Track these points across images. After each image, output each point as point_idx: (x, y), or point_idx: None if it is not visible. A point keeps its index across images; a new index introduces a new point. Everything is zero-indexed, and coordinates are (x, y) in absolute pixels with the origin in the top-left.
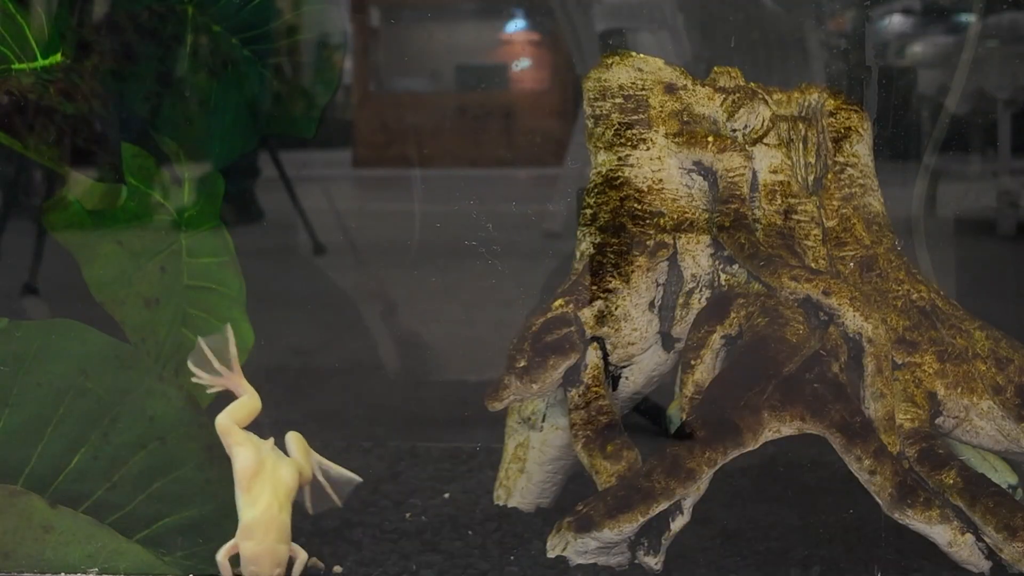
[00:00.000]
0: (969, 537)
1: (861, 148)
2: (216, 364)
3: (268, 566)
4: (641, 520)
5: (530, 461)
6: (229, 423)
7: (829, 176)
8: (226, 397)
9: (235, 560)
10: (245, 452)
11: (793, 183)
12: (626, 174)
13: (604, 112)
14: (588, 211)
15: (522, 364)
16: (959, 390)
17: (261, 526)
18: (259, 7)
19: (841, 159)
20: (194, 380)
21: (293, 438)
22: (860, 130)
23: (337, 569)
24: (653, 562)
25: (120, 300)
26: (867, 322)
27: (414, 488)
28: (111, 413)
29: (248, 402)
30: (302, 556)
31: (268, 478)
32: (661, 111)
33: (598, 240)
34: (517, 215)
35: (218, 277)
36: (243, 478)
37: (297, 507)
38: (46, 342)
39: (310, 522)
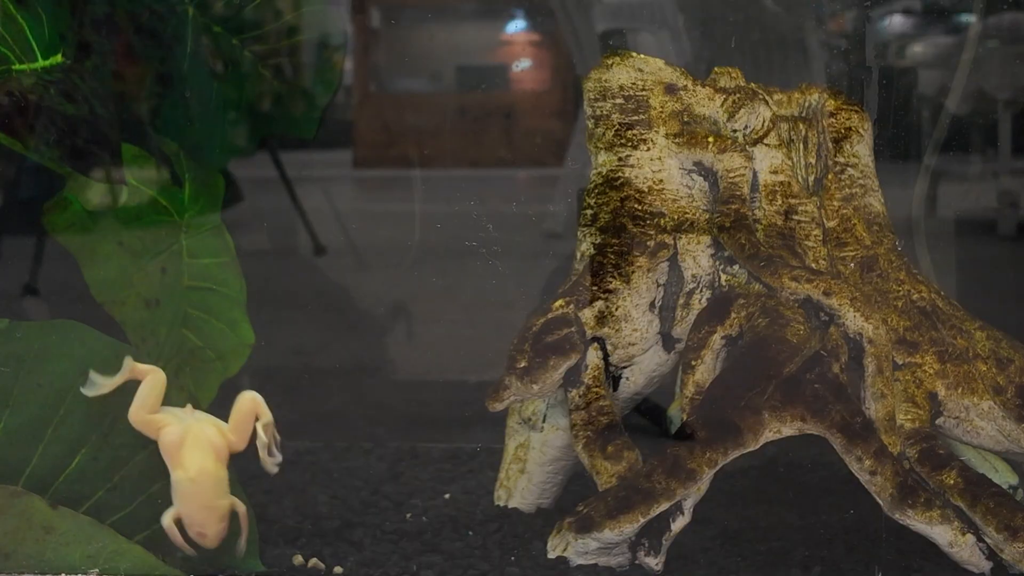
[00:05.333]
0: (970, 537)
1: (861, 148)
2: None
3: (212, 523)
4: (642, 520)
5: (531, 462)
6: (142, 416)
7: (829, 176)
8: (229, 394)
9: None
10: (167, 431)
11: (793, 183)
12: (626, 174)
13: (604, 112)
14: (588, 212)
15: (522, 365)
16: (960, 390)
17: (196, 485)
18: (259, 8)
19: (841, 159)
20: (91, 393)
21: (243, 401)
22: (860, 130)
23: (338, 570)
24: (654, 563)
25: (120, 301)
26: (868, 322)
27: (415, 489)
28: (111, 414)
29: (151, 383)
30: (242, 508)
31: (195, 443)
32: (662, 111)
33: (598, 241)
34: (517, 216)
35: (219, 278)
36: (171, 453)
37: (297, 508)
38: (46, 343)
39: (310, 522)
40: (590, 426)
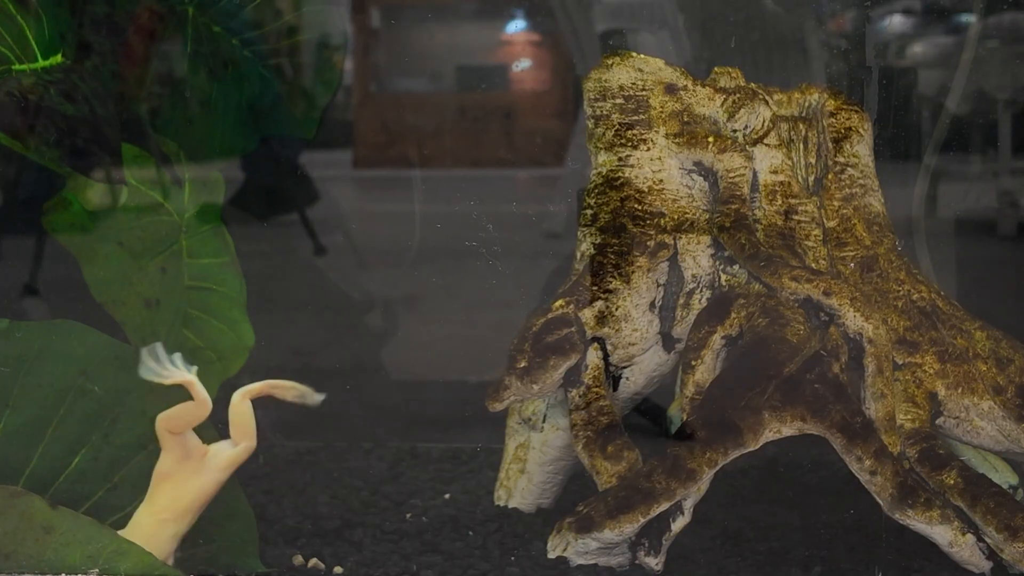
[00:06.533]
0: (970, 537)
1: (861, 148)
2: (168, 364)
3: None
4: (642, 520)
5: (531, 462)
6: (162, 428)
7: (829, 176)
8: (229, 394)
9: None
10: (164, 457)
11: (793, 183)
12: (626, 174)
13: (604, 112)
14: (588, 212)
15: (523, 365)
16: (960, 390)
17: (152, 524)
18: (259, 8)
19: (841, 159)
20: (145, 374)
21: (235, 404)
22: (860, 130)
23: (338, 570)
24: (654, 563)
25: (121, 301)
26: (868, 322)
27: (415, 489)
28: (112, 414)
29: (189, 410)
30: None
31: (174, 487)
32: (662, 111)
33: (598, 241)
34: (517, 216)
35: (219, 278)
36: (153, 480)
37: (297, 508)
38: (47, 343)
39: (310, 522)
40: (590, 426)
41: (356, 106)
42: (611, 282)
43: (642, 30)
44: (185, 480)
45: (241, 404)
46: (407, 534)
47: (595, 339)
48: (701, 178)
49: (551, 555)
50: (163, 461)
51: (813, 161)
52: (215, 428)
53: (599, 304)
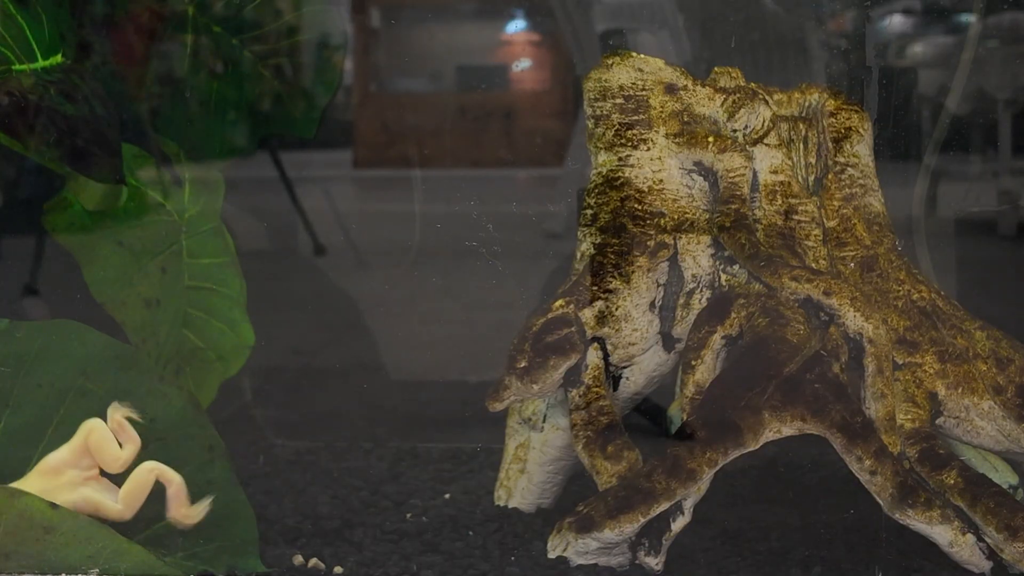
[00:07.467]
0: (970, 537)
1: (861, 148)
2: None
3: None
4: (642, 520)
5: (531, 462)
6: (86, 432)
7: (830, 176)
8: (229, 394)
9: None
10: (62, 451)
11: (793, 183)
12: (626, 174)
13: (604, 112)
14: (588, 211)
15: (523, 365)
16: (960, 390)
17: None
18: (259, 8)
19: (841, 159)
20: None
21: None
22: (860, 130)
23: (338, 570)
24: (654, 562)
25: (121, 301)
26: (868, 322)
27: (415, 489)
28: None
29: (122, 452)
30: None
31: (44, 485)
32: (662, 111)
33: (599, 240)
34: (518, 216)
35: (219, 278)
36: (40, 464)
37: (297, 508)
38: (47, 343)
39: (310, 522)
40: (590, 426)
41: (356, 106)
42: (611, 282)
43: (642, 30)
44: (57, 488)
45: (146, 476)
46: (407, 534)
47: (595, 339)
48: (701, 178)
49: (551, 555)
50: (58, 454)
51: (813, 161)
52: (215, 428)
53: (599, 304)
